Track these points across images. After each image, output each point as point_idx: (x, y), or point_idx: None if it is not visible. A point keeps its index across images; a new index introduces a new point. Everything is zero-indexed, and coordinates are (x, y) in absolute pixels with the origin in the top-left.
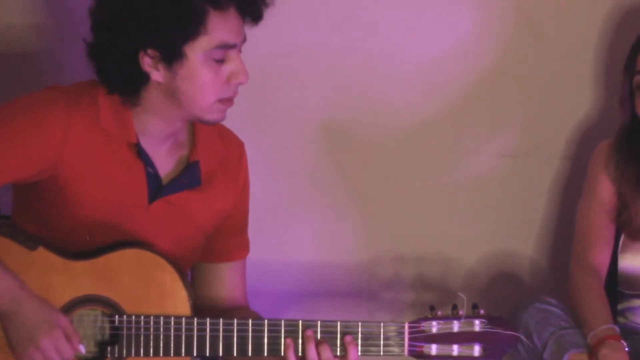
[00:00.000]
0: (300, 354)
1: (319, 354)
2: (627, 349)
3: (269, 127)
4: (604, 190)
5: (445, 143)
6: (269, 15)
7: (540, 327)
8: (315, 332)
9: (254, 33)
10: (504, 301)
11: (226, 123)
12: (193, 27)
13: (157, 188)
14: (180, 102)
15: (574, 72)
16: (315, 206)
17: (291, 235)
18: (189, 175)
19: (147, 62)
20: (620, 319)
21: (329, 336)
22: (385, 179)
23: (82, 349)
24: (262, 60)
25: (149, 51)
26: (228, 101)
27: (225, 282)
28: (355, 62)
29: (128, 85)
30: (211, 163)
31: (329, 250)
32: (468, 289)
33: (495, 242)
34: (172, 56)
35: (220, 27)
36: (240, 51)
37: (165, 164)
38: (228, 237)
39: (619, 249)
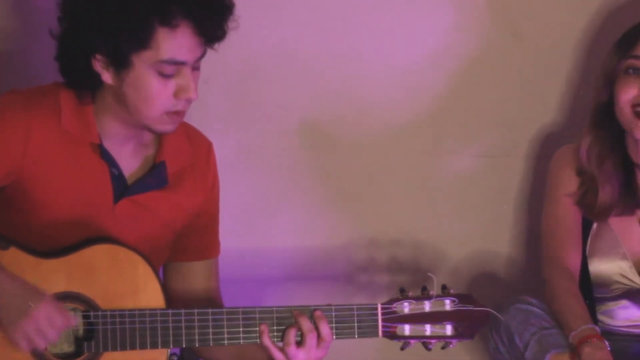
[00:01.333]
0: (275, 341)
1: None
2: (609, 348)
3: (252, 126)
4: (567, 189)
5: (425, 143)
6: (252, 15)
7: (521, 327)
8: (289, 318)
9: (237, 33)
10: (484, 301)
11: (209, 123)
12: (140, 40)
13: (122, 188)
14: (128, 108)
15: (553, 73)
16: (296, 200)
17: (271, 226)
18: (155, 176)
19: (97, 64)
20: (598, 324)
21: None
22: (366, 178)
23: (75, 321)
24: (245, 60)
25: (98, 56)
26: (176, 115)
27: (197, 281)
28: (337, 62)
29: (83, 82)
30: (178, 163)
31: (306, 239)
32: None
33: (474, 242)
34: (119, 63)
35: (169, 43)
36: (197, 68)
37: (130, 164)
38: (198, 236)
39: (587, 254)
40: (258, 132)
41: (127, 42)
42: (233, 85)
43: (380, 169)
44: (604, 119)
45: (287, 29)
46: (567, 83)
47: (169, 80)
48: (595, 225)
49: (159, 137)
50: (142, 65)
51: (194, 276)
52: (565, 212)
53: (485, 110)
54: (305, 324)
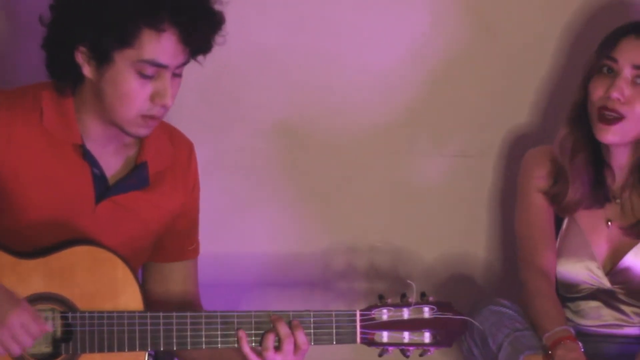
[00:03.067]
0: (254, 345)
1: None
2: (582, 350)
3: (227, 127)
4: (538, 192)
5: (400, 144)
6: (227, 15)
7: (494, 329)
8: (267, 323)
9: None
10: (458, 303)
11: (185, 123)
12: (124, 38)
13: (103, 189)
14: (105, 105)
15: (527, 73)
16: (272, 203)
17: (248, 229)
18: (136, 176)
19: (80, 55)
20: (568, 323)
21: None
22: (341, 178)
23: (49, 327)
24: (221, 60)
25: (81, 47)
26: (151, 119)
27: (176, 282)
28: (312, 63)
29: (65, 73)
30: (160, 164)
31: (284, 244)
32: (421, 289)
33: (448, 243)
34: (100, 58)
35: (152, 45)
36: (178, 75)
37: (112, 165)
38: (178, 237)
39: (555, 254)
40: (233, 133)
41: (111, 38)
42: (208, 85)
43: (355, 170)
44: (580, 116)
45: (262, 29)
46: (541, 83)
47: (147, 82)
48: (564, 225)
49: (141, 137)
50: (123, 63)
51: (173, 277)
52: (538, 213)
53: (460, 111)
54: (283, 329)
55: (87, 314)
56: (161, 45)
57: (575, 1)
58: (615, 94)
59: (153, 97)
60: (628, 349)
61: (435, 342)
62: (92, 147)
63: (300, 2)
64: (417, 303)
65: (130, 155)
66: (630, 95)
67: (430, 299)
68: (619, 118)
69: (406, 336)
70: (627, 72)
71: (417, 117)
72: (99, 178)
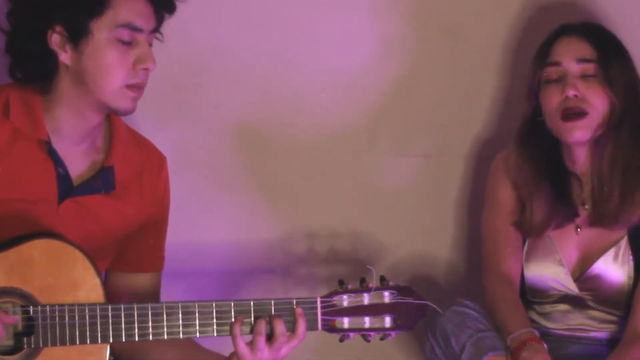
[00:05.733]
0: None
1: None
2: (547, 350)
3: (188, 126)
4: (505, 197)
5: (363, 144)
6: (190, 15)
7: (457, 330)
8: (229, 312)
9: (173, 32)
10: None
11: (144, 120)
12: (98, 3)
13: (67, 188)
14: (88, 86)
15: (490, 72)
16: (232, 198)
17: (207, 221)
18: (101, 179)
19: (54, 40)
20: (533, 325)
21: (243, 315)
22: (303, 178)
23: (15, 319)
24: (183, 60)
25: (57, 27)
26: (137, 88)
27: (139, 293)
28: (273, 62)
29: (40, 69)
30: (127, 169)
31: (243, 234)
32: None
33: (411, 243)
34: (77, 33)
35: (126, 7)
36: (150, 43)
37: (78, 166)
38: (143, 248)
39: (523, 259)
40: (195, 132)
41: (84, 7)
42: (170, 84)
43: (318, 170)
44: (532, 134)
45: (226, 29)
46: (504, 84)
47: (127, 50)
48: None
49: (110, 142)
50: (100, 33)
51: (135, 288)
52: (504, 220)
53: (423, 112)
54: (281, 327)
55: (47, 307)
56: (135, 8)
57: (538, 2)
58: (571, 92)
59: (135, 64)
60: (593, 349)
61: (396, 327)
62: (61, 146)
63: (264, 3)
64: (377, 288)
65: (97, 158)
66: (584, 90)
67: (390, 283)
68: (584, 113)
69: (367, 321)
70: (573, 68)
71: (380, 117)
72: (63, 177)
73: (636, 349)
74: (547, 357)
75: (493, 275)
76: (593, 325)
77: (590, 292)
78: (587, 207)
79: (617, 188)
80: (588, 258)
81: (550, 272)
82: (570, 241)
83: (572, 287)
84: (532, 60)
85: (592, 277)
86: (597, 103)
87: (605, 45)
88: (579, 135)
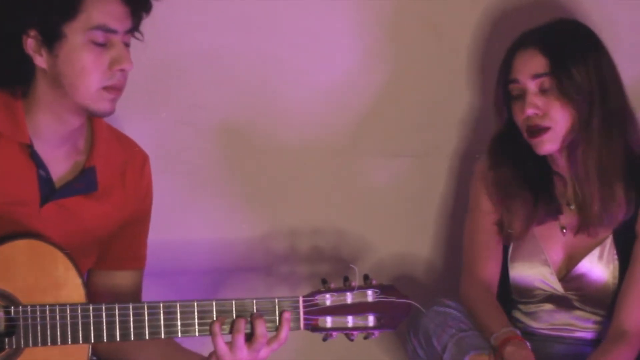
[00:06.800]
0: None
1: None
2: (530, 348)
3: (171, 125)
4: (487, 202)
5: (345, 143)
6: (173, 15)
7: (439, 329)
8: (210, 312)
9: (156, 32)
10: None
11: (130, 122)
12: (71, 5)
13: (49, 191)
14: (65, 89)
15: (474, 72)
16: (213, 197)
17: (188, 220)
18: (83, 180)
19: (30, 44)
20: (518, 324)
21: (225, 315)
22: (285, 177)
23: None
24: (165, 59)
25: (31, 32)
26: (114, 90)
27: (120, 291)
28: (255, 62)
29: (16, 73)
30: (109, 170)
31: (225, 232)
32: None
33: (393, 243)
34: (52, 36)
35: (99, 8)
36: (127, 43)
37: (60, 168)
38: (124, 246)
39: (509, 259)
40: (177, 131)
41: (57, 11)
42: (152, 84)
43: (300, 171)
44: (507, 145)
45: (207, 30)
46: (487, 84)
47: (102, 52)
48: None
49: (92, 143)
50: (74, 36)
51: (117, 286)
52: (485, 223)
53: (405, 111)
54: (261, 328)
55: (29, 308)
56: (108, 9)
57: (520, 3)
58: (530, 111)
59: (111, 65)
60: (577, 349)
61: (380, 326)
62: (42, 148)
63: (246, 4)
64: (360, 287)
65: (79, 160)
66: (544, 106)
67: (374, 282)
68: (547, 129)
69: (350, 320)
70: (530, 85)
71: (363, 117)
72: (45, 180)
73: (620, 345)
74: (530, 353)
75: (470, 279)
76: (578, 325)
77: (576, 291)
78: (572, 207)
79: (596, 191)
80: (573, 258)
81: (535, 272)
82: (556, 241)
83: (557, 287)
84: (497, 78)
85: (577, 276)
86: (559, 117)
87: (559, 53)
88: (547, 148)
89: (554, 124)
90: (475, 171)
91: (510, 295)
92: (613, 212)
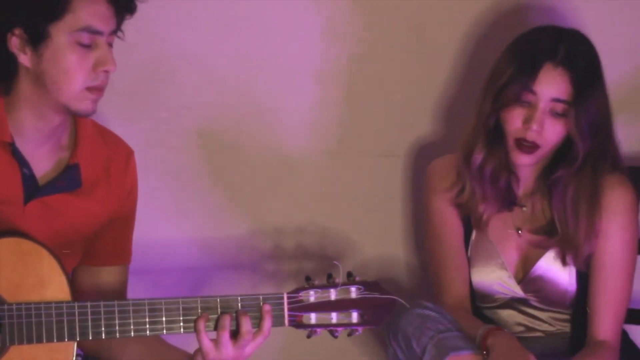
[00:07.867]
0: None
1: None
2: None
3: (155, 126)
4: (448, 216)
5: (328, 143)
6: (158, 16)
7: (418, 332)
8: (195, 309)
9: (142, 35)
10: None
11: (113, 121)
12: (57, 6)
13: (33, 189)
14: (48, 88)
15: (457, 73)
16: (198, 196)
17: (172, 219)
18: (67, 178)
19: (14, 43)
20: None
21: (209, 312)
22: (270, 177)
23: None
24: (150, 60)
25: (16, 30)
26: (97, 90)
27: (106, 287)
28: (238, 63)
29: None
30: (93, 166)
31: (210, 230)
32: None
33: (376, 243)
34: (37, 36)
35: (85, 10)
36: (111, 44)
37: (43, 165)
38: (109, 242)
39: (469, 264)
40: (163, 131)
41: (43, 10)
42: (136, 84)
43: (283, 171)
44: (496, 136)
45: (189, 31)
46: (469, 84)
47: (87, 53)
48: (473, 236)
49: (75, 140)
50: (59, 36)
51: (103, 283)
52: (445, 229)
53: (388, 111)
54: (247, 325)
55: (14, 306)
56: (95, 10)
57: (504, 3)
58: (535, 127)
59: (95, 67)
60: (553, 346)
61: (363, 322)
62: (25, 146)
63: (232, 5)
64: (344, 283)
65: (63, 157)
66: (548, 127)
67: (357, 278)
68: (536, 147)
69: (334, 317)
70: (545, 105)
71: (345, 116)
72: (29, 178)
73: (599, 355)
74: (512, 337)
75: (440, 287)
76: (543, 326)
77: (535, 293)
78: (525, 208)
79: (582, 228)
80: (529, 259)
81: (494, 276)
82: (511, 244)
83: (516, 290)
84: (513, 67)
85: (535, 278)
86: (552, 139)
87: (584, 86)
88: (525, 161)
89: (545, 143)
90: (429, 172)
91: (474, 301)
92: (594, 241)
